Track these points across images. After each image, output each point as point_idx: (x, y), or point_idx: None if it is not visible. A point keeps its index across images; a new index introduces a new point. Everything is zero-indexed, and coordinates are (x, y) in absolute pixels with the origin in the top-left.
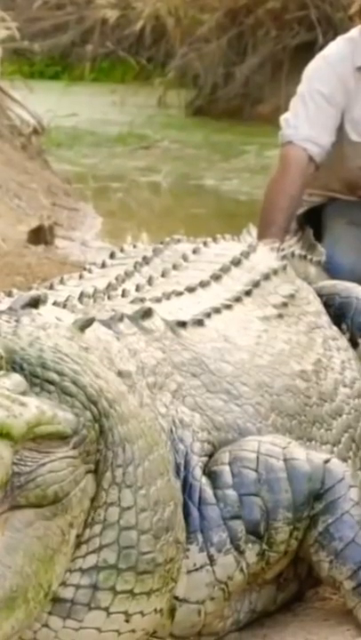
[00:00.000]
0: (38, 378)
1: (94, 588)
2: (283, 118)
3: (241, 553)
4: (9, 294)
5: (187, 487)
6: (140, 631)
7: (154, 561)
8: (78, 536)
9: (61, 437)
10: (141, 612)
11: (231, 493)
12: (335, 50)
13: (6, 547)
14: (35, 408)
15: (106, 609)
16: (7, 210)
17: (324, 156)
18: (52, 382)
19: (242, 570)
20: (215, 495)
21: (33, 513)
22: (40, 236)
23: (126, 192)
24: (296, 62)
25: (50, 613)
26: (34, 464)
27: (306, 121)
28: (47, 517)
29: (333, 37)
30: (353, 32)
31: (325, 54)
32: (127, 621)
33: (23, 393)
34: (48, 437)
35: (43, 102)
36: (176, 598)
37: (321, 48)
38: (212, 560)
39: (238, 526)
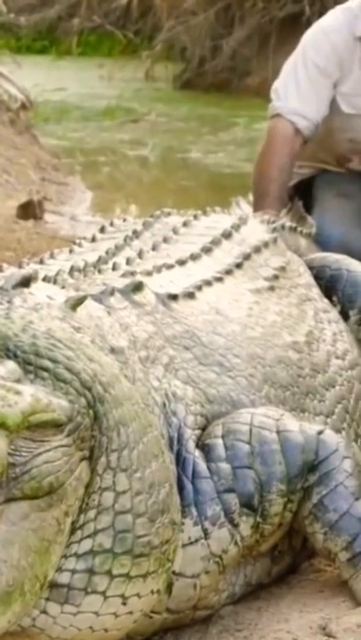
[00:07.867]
0: (32, 365)
1: (90, 572)
2: (273, 89)
3: (235, 526)
4: None
5: (180, 461)
6: (138, 612)
7: (150, 544)
8: (73, 522)
9: (56, 425)
10: (138, 595)
11: (225, 466)
12: (333, 20)
13: (2, 541)
14: (29, 396)
15: (103, 593)
16: None
17: (313, 129)
18: (45, 369)
19: (236, 543)
20: (209, 468)
21: (28, 505)
22: (29, 210)
23: (114, 165)
24: (283, 34)
25: (47, 600)
26: (29, 454)
27: (296, 93)
28: (42, 509)
29: (320, 9)
30: (351, 2)
31: (323, 24)
32: (124, 604)
33: (18, 380)
34: (43, 426)
35: (30, 77)
36: (173, 572)
37: (308, 20)
38: (206, 534)
39: (232, 499)
